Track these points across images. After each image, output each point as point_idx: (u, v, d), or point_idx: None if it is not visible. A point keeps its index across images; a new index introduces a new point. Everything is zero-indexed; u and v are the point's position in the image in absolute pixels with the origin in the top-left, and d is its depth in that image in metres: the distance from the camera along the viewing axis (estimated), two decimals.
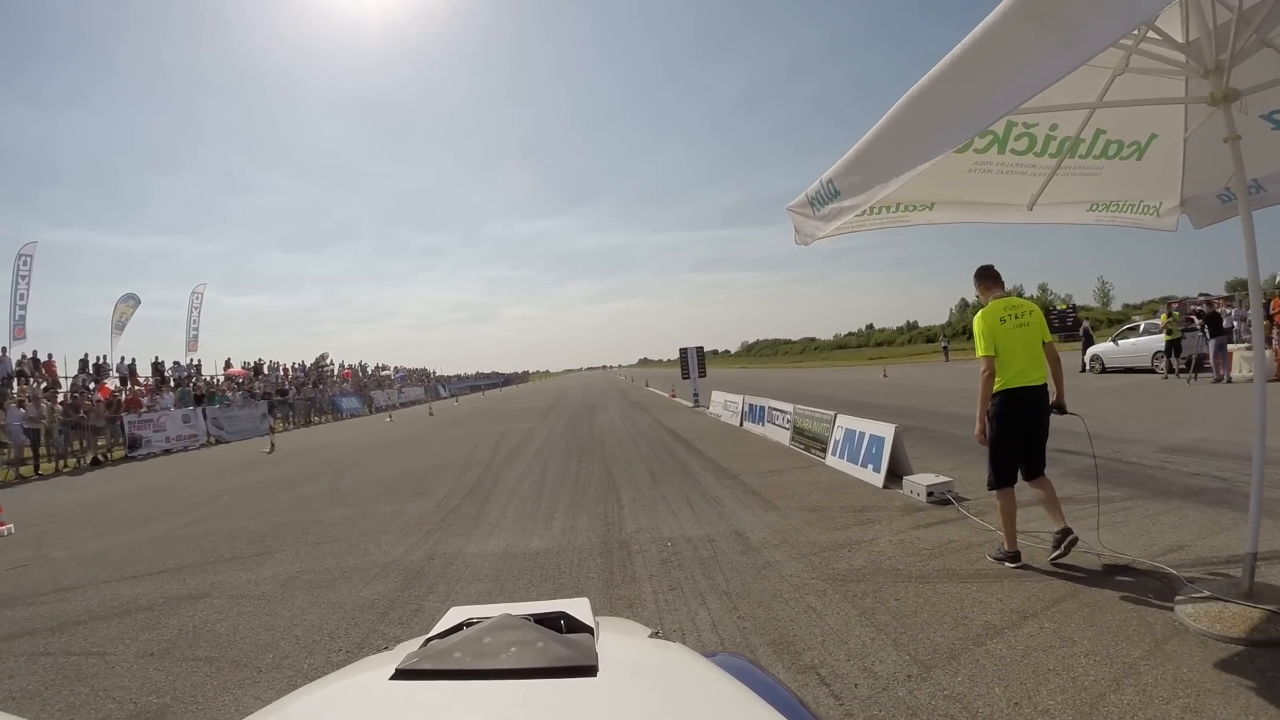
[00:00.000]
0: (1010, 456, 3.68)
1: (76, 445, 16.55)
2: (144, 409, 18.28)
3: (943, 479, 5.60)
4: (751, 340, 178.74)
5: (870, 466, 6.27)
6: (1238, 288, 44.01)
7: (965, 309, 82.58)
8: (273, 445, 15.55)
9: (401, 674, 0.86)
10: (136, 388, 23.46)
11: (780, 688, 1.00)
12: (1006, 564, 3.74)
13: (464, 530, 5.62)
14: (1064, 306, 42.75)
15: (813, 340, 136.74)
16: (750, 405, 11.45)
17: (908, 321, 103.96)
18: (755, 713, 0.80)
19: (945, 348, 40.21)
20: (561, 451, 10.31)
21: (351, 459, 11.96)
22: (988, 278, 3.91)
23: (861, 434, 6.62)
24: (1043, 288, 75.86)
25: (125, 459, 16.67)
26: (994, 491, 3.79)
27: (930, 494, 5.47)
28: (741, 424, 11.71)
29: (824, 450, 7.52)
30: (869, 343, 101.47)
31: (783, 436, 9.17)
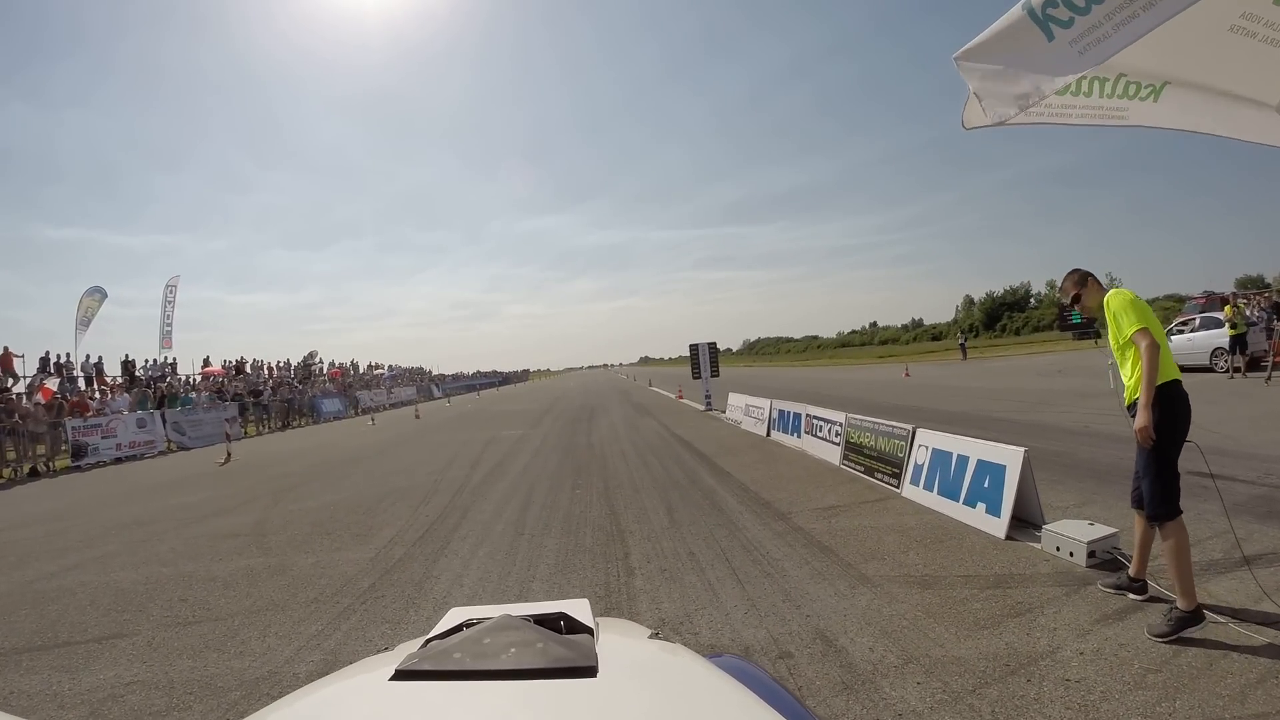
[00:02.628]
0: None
1: (12, 454, 14.74)
2: (91, 413, 16.42)
3: (1103, 530, 3.80)
4: (754, 338, 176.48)
5: (983, 507, 4.43)
6: (1247, 285, 42.61)
7: (971, 306, 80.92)
8: (229, 455, 13.72)
9: (401, 674, 0.84)
10: (102, 388, 21.71)
11: (781, 690, 0.98)
12: (1187, 631, 2.67)
13: (395, 611, 3.77)
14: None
15: (815, 338, 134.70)
16: (780, 411, 9.58)
17: (913, 319, 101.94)
18: (756, 714, 0.77)
19: (963, 345, 38.35)
20: (552, 472, 8.40)
21: (305, 475, 10.11)
22: (1093, 276, 3.22)
23: (963, 458, 4.77)
24: (1051, 284, 74.48)
25: (71, 469, 14.90)
26: (1159, 524, 2.78)
27: (1092, 554, 3.67)
28: (769, 433, 9.86)
29: (897, 476, 5.69)
30: (873, 340, 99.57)
31: (830, 454, 7.31)
